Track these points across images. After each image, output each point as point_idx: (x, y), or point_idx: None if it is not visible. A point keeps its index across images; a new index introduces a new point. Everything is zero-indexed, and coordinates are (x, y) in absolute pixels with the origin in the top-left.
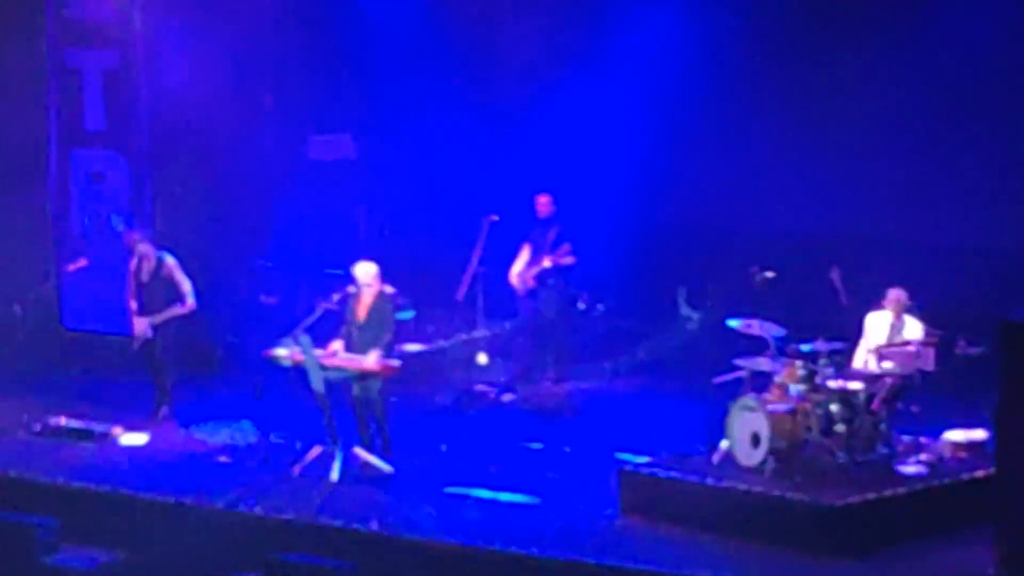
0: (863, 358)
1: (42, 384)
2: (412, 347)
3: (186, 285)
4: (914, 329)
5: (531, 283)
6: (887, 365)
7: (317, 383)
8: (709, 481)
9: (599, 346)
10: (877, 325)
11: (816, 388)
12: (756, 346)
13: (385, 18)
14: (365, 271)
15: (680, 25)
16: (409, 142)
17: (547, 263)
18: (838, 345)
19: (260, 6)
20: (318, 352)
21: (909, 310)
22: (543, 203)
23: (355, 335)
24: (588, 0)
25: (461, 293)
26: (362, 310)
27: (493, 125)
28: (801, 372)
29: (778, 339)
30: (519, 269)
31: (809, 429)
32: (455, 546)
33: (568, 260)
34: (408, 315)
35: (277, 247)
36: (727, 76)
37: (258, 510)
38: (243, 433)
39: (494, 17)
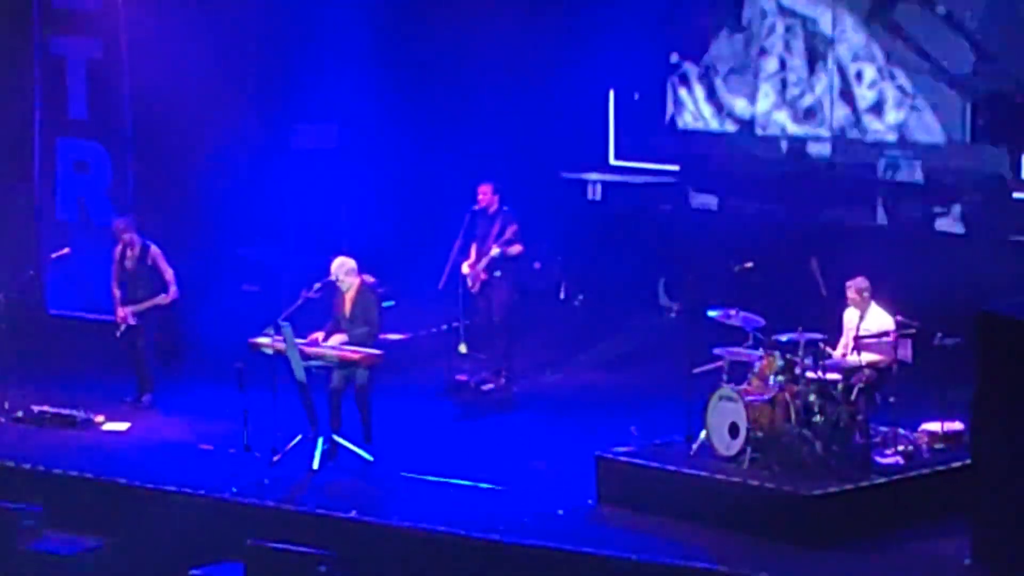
0: (840, 351)
1: (24, 371)
2: (393, 336)
3: (169, 274)
4: (879, 319)
5: (483, 276)
6: (865, 356)
7: (299, 372)
8: (687, 470)
9: (578, 336)
10: (849, 319)
11: (794, 379)
12: (735, 336)
13: (369, 6)
14: (340, 266)
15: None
16: (392, 131)
17: (494, 252)
18: (816, 336)
19: None
20: (300, 341)
21: (873, 297)
22: (484, 192)
23: (344, 328)
24: None
25: (442, 283)
26: (347, 304)
27: (475, 116)
28: (779, 362)
29: (757, 329)
30: (470, 264)
31: (787, 419)
32: (434, 534)
33: (516, 249)
34: (388, 304)
35: (260, 236)
36: None
37: (239, 498)
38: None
39: (476, 7)
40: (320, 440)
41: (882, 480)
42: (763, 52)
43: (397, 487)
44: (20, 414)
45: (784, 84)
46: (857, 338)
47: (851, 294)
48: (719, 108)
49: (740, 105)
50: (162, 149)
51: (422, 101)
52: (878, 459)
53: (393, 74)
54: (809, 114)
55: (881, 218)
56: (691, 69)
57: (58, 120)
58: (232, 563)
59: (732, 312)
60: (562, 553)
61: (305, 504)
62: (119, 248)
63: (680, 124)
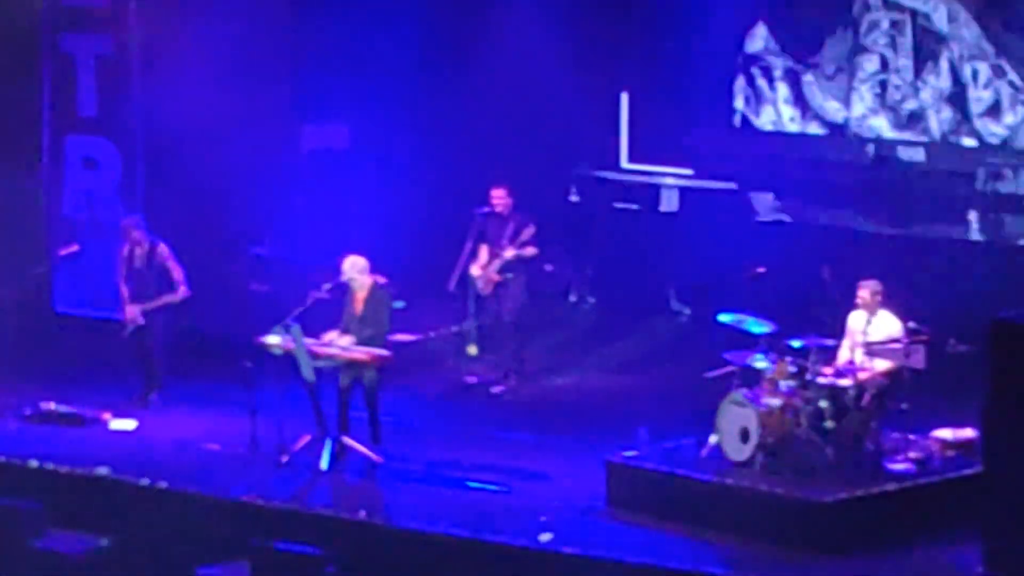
0: (846, 356)
1: (32, 369)
2: (402, 337)
3: (178, 273)
4: (888, 324)
5: (496, 278)
6: (877, 362)
7: (307, 372)
8: (698, 475)
9: (588, 339)
10: (855, 323)
11: (806, 384)
12: (747, 341)
13: (382, 7)
14: (352, 265)
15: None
16: (402, 132)
17: (509, 254)
18: (828, 341)
19: None
20: (309, 341)
21: (883, 304)
22: (498, 196)
23: (354, 328)
24: None
25: (452, 283)
26: (358, 303)
27: (486, 116)
28: (791, 368)
29: (769, 335)
30: (481, 266)
31: (798, 425)
32: (442, 536)
33: (531, 251)
34: (399, 305)
35: (269, 236)
36: None
37: (246, 497)
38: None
39: (488, 8)
40: (328, 441)
41: (893, 487)
42: (863, 50)
43: (405, 488)
44: (28, 412)
45: (884, 86)
46: (868, 344)
47: (865, 294)
48: (804, 110)
49: (832, 108)
50: (172, 147)
51: (432, 102)
52: (889, 466)
53: (404, 75)
54: (913, 119)
55: (975, 233)
56: (776, 62)
57: (67, 117)
58: (238, 563)
59: (744, 317)
60: (571, 557)
61: (313, 505)
62: (127, 246)
63: (754, 123)
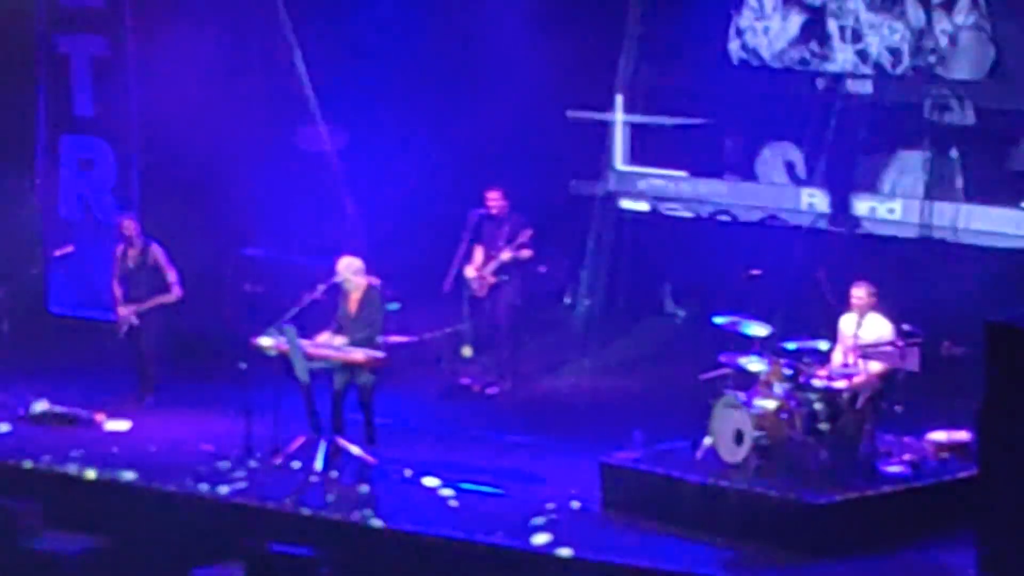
0: (839, 359)
1: (27, 369)
2: (397, 339)
3: (172, 275)
4: (878, 326)
5: (491, 280)
6: (872, 365)
7: (302, 373)
8: (692, 477)
9: (583, 341)
10: (845, 325)
11: (800, 386)
12: (741, 343)
13: (377, 10)
14: (346, 266)
15: None
16: (397, 134)
17: (505, 256)
18: (823, 344)
19: None
20: (303, 342)
21: (874, 306)
22: (493, 199)
23: (348, 329)
24: None
25: (447, 285)
26: (352, 304)
27: (480, 118)
28: (786, 370)
29: (763, 337)
30: (476, 267)
31: (793, 427)
32: (436, 538)
33: (527, 253)
34: (393, 307)
35: (263, 237)
36: None
37: (240, 499)
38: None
39: (485, 9)
40: (323, 442)
41: (888, 490)
42: None
43: (400, 490)
44: (22, 412)
45: None
46: (862, 346)
47: (862, 294)
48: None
49: None
50: (167, 147)
51: (427, 103)
52: (884, 468)
53: (399, 76)
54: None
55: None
56: None
57: (63, 117)
58: (232, 565)
59: (739, 319)
60: (565, 559)
61: (307, 506)
62: (120, 246)
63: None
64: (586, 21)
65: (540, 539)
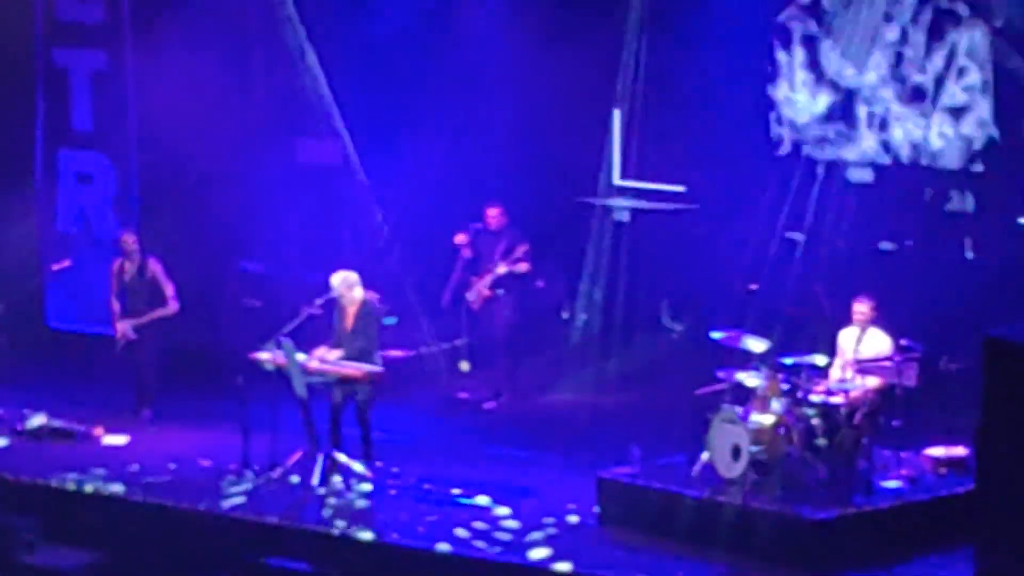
0: (837, 374)
1: (24, 383)
2: (395, 353)
3: (170, 289)
4: (878, 341)
5: (487, 293)
6: (870, 380)
7: (299, 388)
8: (689, 492)
9: (581, 356)
10: (845, 340)
11: (798, 401)
12: (739, 358)
13: (376, 24)
14: (342, 281)
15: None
16: (395, 148)
17: (501, 270)
18: (820, 359)
19: (249, 9)
20: (301, 357)
21: (875, 321)
22: (493, 215)
23: (344, 343)
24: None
25: (445, 299)
26: (349, 319)
27: (478, 133)
28: (783, 385)
29: (761, 352)
30: (472, 281)
31: (790, 442)
32: (434, 552)
33: (523, 267)
34: (390, 321)
35: (261, 251)
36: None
37: (237, 513)
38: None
39: (484, 25)
40: (320, 456)
41: (885, 505)
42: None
43: (397, 504)
44: (19, 427)
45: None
46: (860, 361)
47: (864, 308)
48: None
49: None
50: (166, 161)
51: (426, 117)
52: (881, 483)
53: (398, 91)
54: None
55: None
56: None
57: (61, 131)
58: None
59: (736, 334)
60: (563, 574)
61: (304, 521)
62: (118, 261)
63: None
64: (584, 33)
65: (538, 554)
